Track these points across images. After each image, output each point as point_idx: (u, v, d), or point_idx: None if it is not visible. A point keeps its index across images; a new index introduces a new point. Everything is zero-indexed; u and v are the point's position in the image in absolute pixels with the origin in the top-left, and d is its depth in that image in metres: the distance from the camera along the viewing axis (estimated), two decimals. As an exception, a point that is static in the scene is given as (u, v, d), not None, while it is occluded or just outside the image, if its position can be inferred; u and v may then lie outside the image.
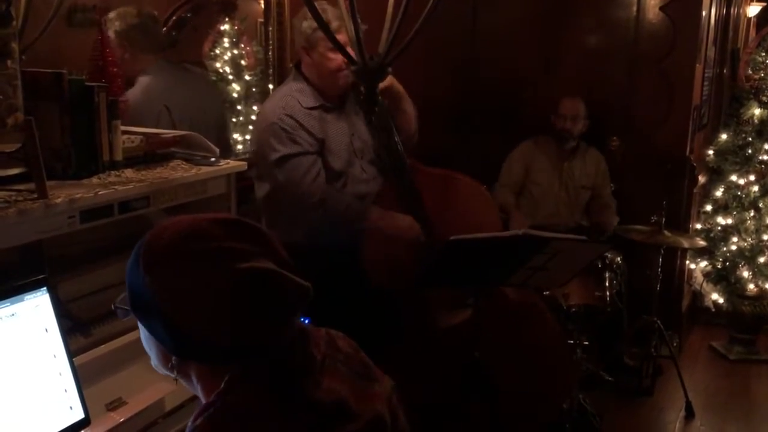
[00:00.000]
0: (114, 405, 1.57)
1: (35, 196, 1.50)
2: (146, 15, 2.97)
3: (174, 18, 3.34)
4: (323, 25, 1.98)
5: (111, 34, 2.87)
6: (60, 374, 1.44)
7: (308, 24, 2.64)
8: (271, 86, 3.55)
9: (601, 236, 3.84)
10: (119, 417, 1.54)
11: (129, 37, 2.86)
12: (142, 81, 2.91)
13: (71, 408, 1.44)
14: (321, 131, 2.68)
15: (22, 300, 1.41)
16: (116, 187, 1.65)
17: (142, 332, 1.14)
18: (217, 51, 3.99)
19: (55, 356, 1.44)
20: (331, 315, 1.23)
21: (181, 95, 2.96)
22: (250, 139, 2.76)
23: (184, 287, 1.03)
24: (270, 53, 3.53)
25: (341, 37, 2.13)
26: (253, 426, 1.01)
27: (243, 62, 4.12)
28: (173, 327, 1.04)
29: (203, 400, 1.10)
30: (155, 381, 1.68)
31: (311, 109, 2.68)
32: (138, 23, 2.89)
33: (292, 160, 2.60)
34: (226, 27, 3.95)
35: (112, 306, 1.19)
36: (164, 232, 1.07)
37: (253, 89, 4.04)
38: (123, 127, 1.85)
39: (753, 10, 5.07)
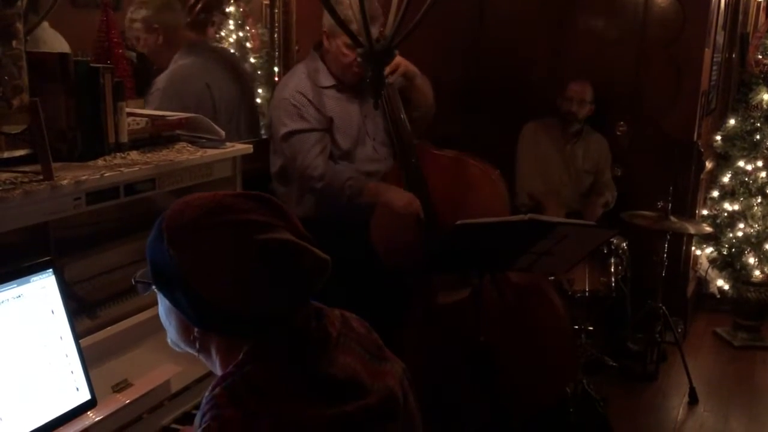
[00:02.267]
0: (120, 386, 1.57)
1: (41, 177, 1.50)
2: None
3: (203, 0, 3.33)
4: (338, 19, 1.99)
5: (139, 25, 2.87)
6: (66, 356, 1.45)
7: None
8: (276, 69, 3.53)
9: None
10: (125, 398, 1.55)
11: (160, 19, 2.86)
12: (181, 60, 2.90)
13: (78, 389, 1.45)
14: (330, 109, 2.75)
15: (29, 281, 1.41)
16: (122, 169, 1.65)
17: (162, 306, 1.16)
18: (223, 33, 3.96)
19: (61, 338, 1.45)
20: (337, 287, 1.23)
21: (219, 75, 2.98)
22: (267, 114, 2.82)
23: (207, 257, 1.05)
24: (276, 35, 3.51)
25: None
26: (269, 396, 1.03)
27: (248, 45, 4.10)
28: (197, 297, 1.05)
29: (220, 373, 1.11)
30: (161, 363, 1.69)
31: (325, 88, 2.76)
32: (164, 2, 2.89)
33: (298, 135, 2.69)
34: (231, 9, 3.93)
35: (132, 280, 1.21)
36: (187, 207, 1.09)
37: (258, 72, 4.01)
38: (128, 109, 1.85)
39: (763, -6, 5.02)
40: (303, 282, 1.08)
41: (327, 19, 2.74)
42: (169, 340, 1.20)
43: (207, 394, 1.06)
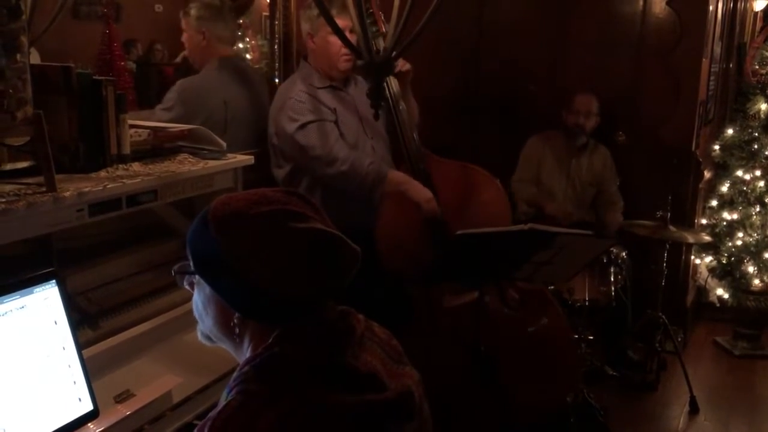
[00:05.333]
0: (122, 397, 1.58)
1: (44, 189, 1.51)
2: (226, 4, 3.03)
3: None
4: (323, 8, 2.02)
5: (192, 20, 2.93)
6: (69, 366, 1.45)
7: (312, 10, 2.76)
8: (276, 80, 3.55)
9: (603, 234, 3.84)
10: (127, 409, 1.55)
11: (209, 24, 2.92)
12: (211, 70, 2.97)
13: (80, 400, 1.46)
14: (331, 103, 2.81)
15: (32, 293, 1.42)
16: (124, 180, 1.66)
17: (200, 296, 1.20)
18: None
19: (64, 348, 1.45)
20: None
21: (238, 92, 3.04)
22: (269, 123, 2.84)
23: (253, 243, 1.10)
24: (276, 47, 3.52)
25: (342, 22, 2.16)
26: (295, 377, 1.07)
27: (248, 56, 4.12)
28: (243, 281, 1.10)
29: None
30: (163, 374, 1.69)
31: (321, 88, 2.82)
32: (217, 11, 2.98)
33: (311, 125, 2.72)
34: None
35: (172, 271, 1.25)
36: (231, 199, 1.15)
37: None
38: (130, 121, 1.86)
39: (760, 5, 5.04)
40: (338, 269, 1.14)
41: (308, 21, 2.81)
42: (199, 333, 1.25)
43: (235, 373, 1.11)
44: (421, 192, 2.71)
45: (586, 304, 3.52)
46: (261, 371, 1.08)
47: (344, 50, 2.69)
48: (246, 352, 1.17)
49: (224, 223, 1.12)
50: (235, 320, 1.16)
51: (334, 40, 2.67)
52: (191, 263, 1.18)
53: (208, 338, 1.24)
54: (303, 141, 2.71)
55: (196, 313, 1.23)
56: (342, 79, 2.90)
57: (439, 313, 2.80)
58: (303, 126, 2.71)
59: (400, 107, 2.78)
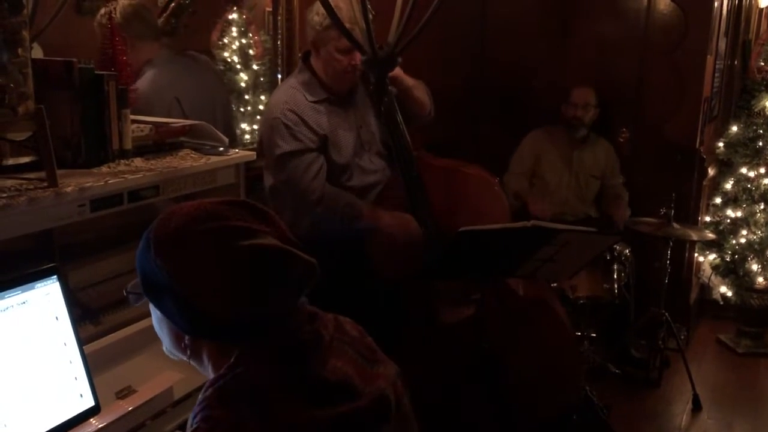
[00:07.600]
0: (124, 393, 1.57)
1: (46, 184, 1.51)
2: (138, 2, 2.93)
3: (173, 4, 3.32)
4: (338, 22, 1.99)
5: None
6: (70, 362, 1.45)
7: (319, 20, 2.60)
8: (279, 76, 3.55)
9: (612, 229, 3.82)
10: (128, 405, 1.55)
11: (128, 27, 2.82)
12: (149, 72, 2.86)
13: (81, 395, 1.45)
14: (324, 126, 2.66)
15: (33, 288, 1.41)
16: (126, 176, 1.65)
17: (154, 315, 1.17)
18: (225, 40, 3.99)
19: (65, 344, 1.45)
20: (336, 307, 1.24)
21: (189, 86, 2.93)
22: (258, 130, 2.76)
23: (192, 264, 1.06)
24: (279, 43, 3.52)
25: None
26: (260, 397, 1.03)
27: (251, 51, 4.11)
28: (185, 304, 1.07)
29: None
30: (164, 369, 1.68)
31: (316, 102, 2.67)
32: (133, 11, 2.86)
33: (293, 158, 2.61)
34: (234, 16, 3.95)
35: (124, 291, 1.21)
36: (172, 216, 1.10)
37: (261, 79, 4.03)
38: (132, 116, 1.85)
39: (765, 1, 5.02)
40: (289, 286, 1.09)
41: (312, 29, 2.65)
42: (164, 349, 1.21)
43: (200, 396, 1.07)
44: (392, 222, 2.64)
45: (589, 301, 3.51)
46: (224, 395, 1.03)
47: (350, 67, 2.59)
48: (209, 370, 1.13)
49: (163, 243, 1.08)
50: (186, 341, 1.12)
51: (342, 57, 2.58)
52: (140, 283, 1.14)
53: (172, 353, 1.20)
54: (282, 174, 2.64)
55: (156, 330, 1.20)
56: (342, 91, 2.74)
57: (437, 327, 2.77)
58: (284, 156, 2.60)
59: (388, 112, 2.68)
